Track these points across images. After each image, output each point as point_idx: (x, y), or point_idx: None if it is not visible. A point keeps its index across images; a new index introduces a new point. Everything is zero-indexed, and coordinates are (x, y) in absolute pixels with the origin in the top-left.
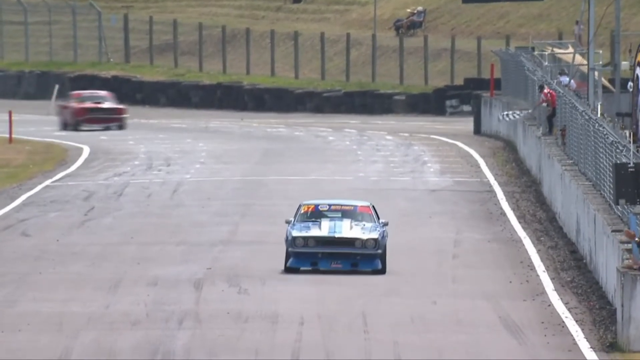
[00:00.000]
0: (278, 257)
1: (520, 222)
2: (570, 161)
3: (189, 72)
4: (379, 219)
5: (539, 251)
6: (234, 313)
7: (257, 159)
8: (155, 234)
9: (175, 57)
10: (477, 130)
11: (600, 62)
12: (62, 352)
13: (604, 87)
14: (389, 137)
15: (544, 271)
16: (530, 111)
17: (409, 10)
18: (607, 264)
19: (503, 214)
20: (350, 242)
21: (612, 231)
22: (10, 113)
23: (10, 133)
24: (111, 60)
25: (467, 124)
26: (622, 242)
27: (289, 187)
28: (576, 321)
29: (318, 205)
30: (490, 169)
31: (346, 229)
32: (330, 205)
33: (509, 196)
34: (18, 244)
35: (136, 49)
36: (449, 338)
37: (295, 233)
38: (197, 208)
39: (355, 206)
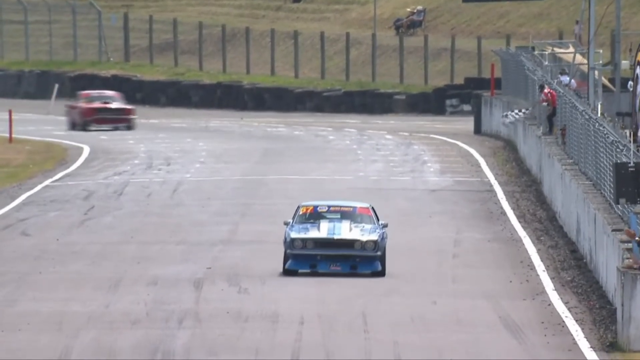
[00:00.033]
0: (278, 256)
1: (520, 222)
2: (571, 160)
3: (188, 72)
4: (378, 220)
5: (539, 250)
6: (234, 312)
7: (257, 159)
8: (155, 233)
9: (175, 56)
10: (478, 129)
11: (601, 62)
12: (62, 351)
13: (604, 86)
14: (389, 137)
15: (544, 271)
16: (530, 109)
17: (408, 9)
18: (608, 263)
19: (503, 213)
20: (349, 243)
21: (613, 230)
22: (10, 112)
23: (10, 132)
24: (111, 59)
25: (467, 124)
26: (623, 242)
27: (289, 187)
28: (576, 321)
29: (317, 206)
30: (491, 169)
31: (345, 231)
32: (329, 206)
33: (509, 195)
34: (18, 244)
35: (136, 48)
36: (449, 338)
37: (293, 235)
38: (197, 207)
39: (355, 207)
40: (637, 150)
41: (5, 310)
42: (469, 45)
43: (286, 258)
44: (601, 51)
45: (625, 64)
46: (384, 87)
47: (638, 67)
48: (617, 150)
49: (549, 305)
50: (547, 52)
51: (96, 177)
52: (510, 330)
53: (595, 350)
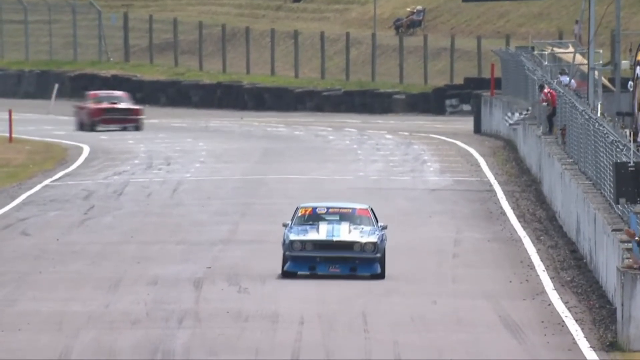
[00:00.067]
0: (278, 256)
1: (520, 222)
2: (571, 160)
3: (188, 71)
4: (377, 222)
5: (538, 250)
6: (234, 312)
7: (257, 158)
8: (155, 233)
9: (175, 56)
10: (477, 129)
11: (601, 62)
12: (62, 351)
13: (604, 86)
14: (388, 137)
15: (543, 270)
16: (530, 108)
17: (408, 9)
18: (607, 263)
19: (503, 213)
20: (348, 245)
21: (612, 230)
22: (10, 112)
23: (10, 132)
24: (111, 59)
25: (467, 123)
26: (622, 242)
27: (289, 186)
28: (576, 320)
29: (316, 208)
30: (490, 168)
31: (345, 233)
32: (328, 208)
33: (509, 195)
34: (18, 243)
35: (136, 47)
36: (449, 337)
37: (292, 237)
38: (197, 207)
39: (354, 209)
40: (637, 150)
41: (5, 310)
42: (468, 45)
43: (285, 260)
44: (601, 51)
45: (625, 64)
46: (384, 86)
47: (638, 67)
48: (617, 150)
49: (549, 305)
50: (547, 52)
51: (96, 177)
52: (510, 330)
53: (595, 350)
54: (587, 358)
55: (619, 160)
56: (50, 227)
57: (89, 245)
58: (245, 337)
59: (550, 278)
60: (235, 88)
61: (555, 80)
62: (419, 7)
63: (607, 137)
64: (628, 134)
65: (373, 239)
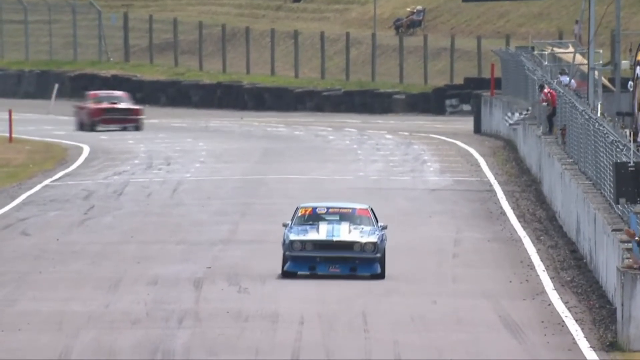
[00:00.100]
0: (278, 256)
1: (520, 222)
2: (571, 160)
3: (188, 71)
4: (377, 222)
5: (538, 250)
6: (234, 312)
7: (257, 158)
8: (155, 233)
9: (175, 56)
10: (477, 129)
11: (601, 62)
12: (62, 351)
13: (604, 86)
14: (388, 136)
15: (543, 270)
16: (530, 108)
17: (408, 9)
18: (607, 263)
19: (503, 213)
20: (348, 245)
21: (612, 230)
22: (10, 112)
23: (10, 132)
24: (111, 59)
25: (467, 123)
26: (622, 242)
27: (289, 186)
28: (576, 320)
29: (316, 208)
30: (490, 168)
31: (345, 233)
32: (328, 208)
33: (508, 195)
34: (18, 243)
35: (136, 47)
36: (449, 337)
37: (292, 237)
38: (197, 207)
39: (354, 209)
40: (637, 150)
41: (5, 309)
42: (468, 45)
43: (285, 260)
44: (601, 51)
45: (625, 64)
46: (384, 86)
47: (638, 67)
48: (617, 149)
49: (549, 305)
50: (546, 52)
51: (96, 177)
52: (510, 330)
53: (595, 350)
54: (587, 358)
55: (619, 160)
56: (50, 227)
57: (89, 245)
58: (245, 337)
59: (550, 278)
60: (235, 88)
61: (555, 80)
62: (419, 7)
63: (607, 137)
64: (628, 134)
65: (373, 239)
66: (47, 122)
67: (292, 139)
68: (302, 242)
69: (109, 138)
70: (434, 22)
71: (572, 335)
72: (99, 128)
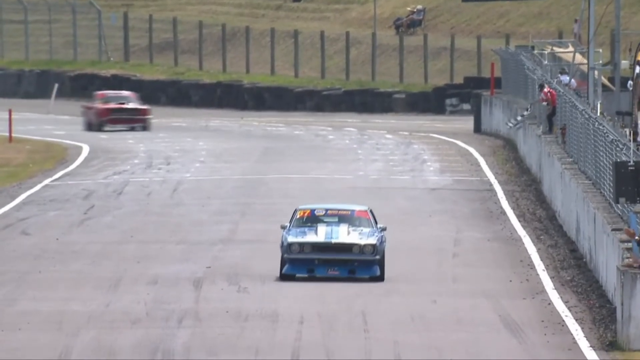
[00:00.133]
0: (278, 256)
1: (520, 221)
2: (570, 160)
3: (188, 71)
4: (376, 223)
5: (538, 250)
6: (234, 312)
7: (257, 158)
8: (155, 232)
9: (175, 55)
10: (477, 128)
11: (600, 61)
12: (62, 351)
13: (604, 85)
14: (388, 136)
15: (543, 270)
16: (530, 107)
17: (408, 8)
18: (607, 262)
19: (503, 212)
20: (347, 248)
21: (612, 230)
22: (10, 112)
23: (10, 132)
24: (111, 59)
25: (466, 123)
26: (622, 241)
27: (289, 186)
28: (576, 320)
29: (314, 209)
30: (490, 168)
31: (343, 235)
32: (326, 209)
33: (508, 195)
34: (18, 243)
35: (136, 47)
36: (449, 337)
37: (290, 239)
38: (197, 207)
39: (353, 211)
40: (637, 150)
41: (5, 309)
42: (468, 44)
43: (283, 262)
44: (601, 51)
45: (625, 63)
46: (384, 86)
47: (638, 66)
48: (617, 149)
49: (549, 304)
50: (546, 52)
51: (96, 177)
52: (510, 330)
53: (595, 350)
54: (587, 357)
55: (618, 160)
56: (50, 226)
57: (89, 245)
58: (245, 336)
59: (550, 277)
60: (235, 87)
61: (555, 80)
62: (419, 7)
63: (607, 136)
64: (628, 133)
65: (372, 240)
66: (47, 122)
67: (292, 139)
68: (301, 244)
69: (108, 137)
70: (434, 21)
71: (572, 334)
72: (107, 128)
